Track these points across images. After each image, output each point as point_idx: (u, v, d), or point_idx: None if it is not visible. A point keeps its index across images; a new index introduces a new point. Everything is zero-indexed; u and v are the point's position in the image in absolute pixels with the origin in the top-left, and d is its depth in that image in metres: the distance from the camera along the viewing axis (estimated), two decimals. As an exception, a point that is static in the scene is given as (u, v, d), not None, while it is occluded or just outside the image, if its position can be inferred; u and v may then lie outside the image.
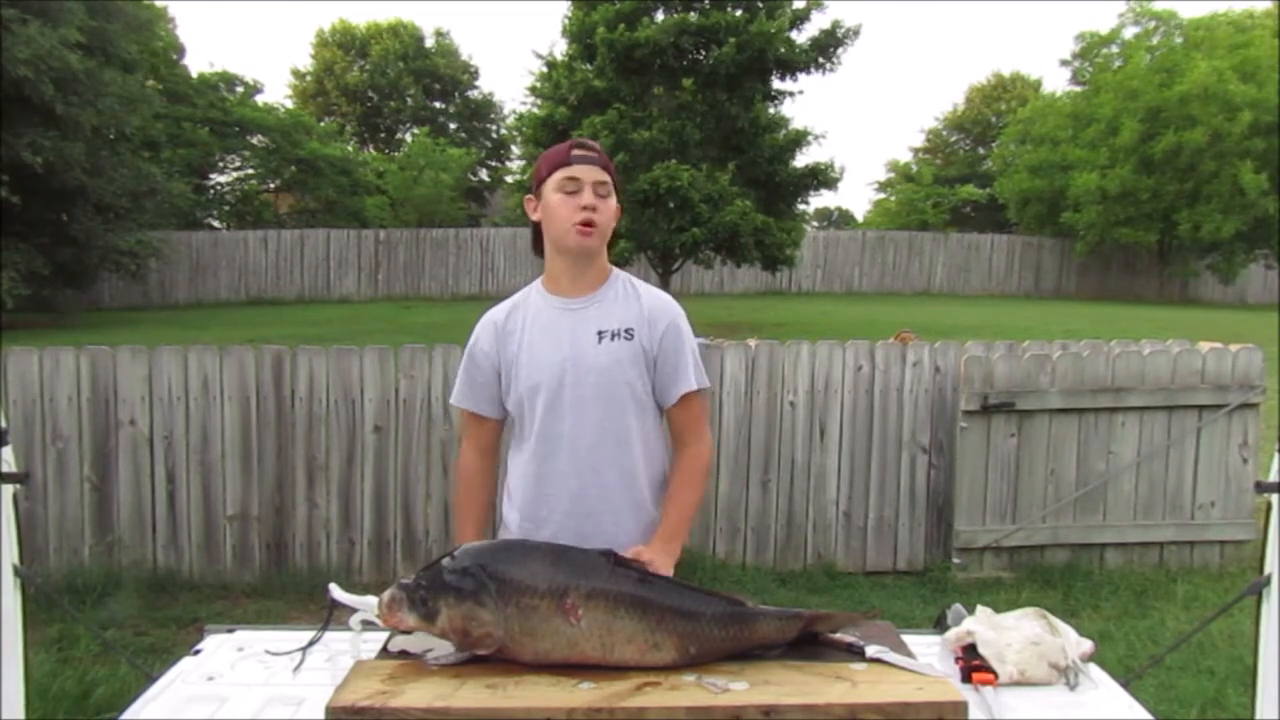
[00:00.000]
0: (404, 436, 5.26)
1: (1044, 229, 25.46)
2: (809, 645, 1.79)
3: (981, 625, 1.88)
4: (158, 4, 24.32)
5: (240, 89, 27.88)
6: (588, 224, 2.11)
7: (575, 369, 2.14)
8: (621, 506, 2.18)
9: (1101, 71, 25.64)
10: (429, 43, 35.57)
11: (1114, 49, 26.20)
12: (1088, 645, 1.89)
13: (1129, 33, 25.98)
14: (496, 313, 2.26)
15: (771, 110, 16.87)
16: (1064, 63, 29.55)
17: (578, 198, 2.11)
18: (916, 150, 38.54)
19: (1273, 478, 1.97)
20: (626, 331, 2.17)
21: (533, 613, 1.65)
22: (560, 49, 17.42)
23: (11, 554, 1.95)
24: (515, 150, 30.98)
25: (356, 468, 5.26)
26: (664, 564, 2.03)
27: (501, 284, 23.13)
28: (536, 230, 2.23)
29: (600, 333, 2.16)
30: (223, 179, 27.51)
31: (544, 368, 2.15)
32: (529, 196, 2.19)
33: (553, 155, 2.17)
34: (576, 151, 2.14)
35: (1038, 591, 5.11)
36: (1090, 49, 27.24)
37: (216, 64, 38.69)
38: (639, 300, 2.21)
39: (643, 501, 2.21)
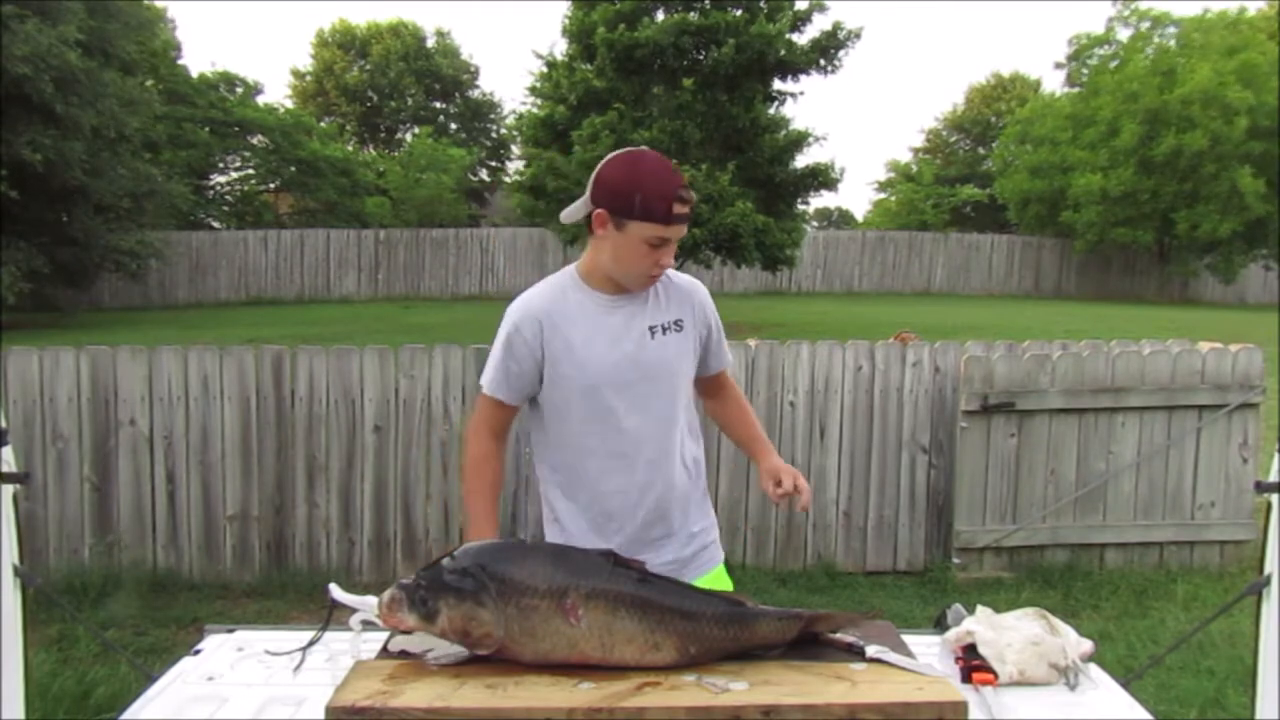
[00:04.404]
0: (404, 436, 5.26)
1: (1044, 229, 25.47)
2: (809, 645, 1.79)
3: (981, 625, 1.88)
4: (158, 4, 24.35)
5: (240, 89, 27.89)
6: (656, 277, 2.14)
7: (634, 366, 2.14)
8: (687, 497, 2.24)
9: (1099, 74, 25.65)
10: (430, 43, 35.59)
11: (1108, 49, 26.21)
12: (1088, 645, 1.89)
13: (1122, 34, 26.02)
14: (536, 303, 2.17)
15: (772, 111, 16.88)
16: (1058, 65, 29.59)
17: (659, 253, 2.07)
18: (916, 150, 38.58)
19: (1273, 478, 1.97)
20: (676, 323, 2.20)
21: (533, 613, 1.65)
22: (560, 49, 17.44)
23: (11, 554, 1.95)
24: (515, 150, 31.00)
25: (356, 468, 5.26)
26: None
27: (501, 284, 23.13)
28: (590, 219, 2.14)
29: (651, 328, 2.17)
30: (223, 179, 27.54)
31: (602, 366, 2.13)
32: (600, 211, 2.07)
33: (651, 202, 2.02)
34: (679, 210, 2.04)
35: (1038, 591, 5.11)
36: (1083, 51, 27.25)
37: (217, 64, 38.73)
38: (673, 288, 2.24)
39: (701, 489, 2.30)
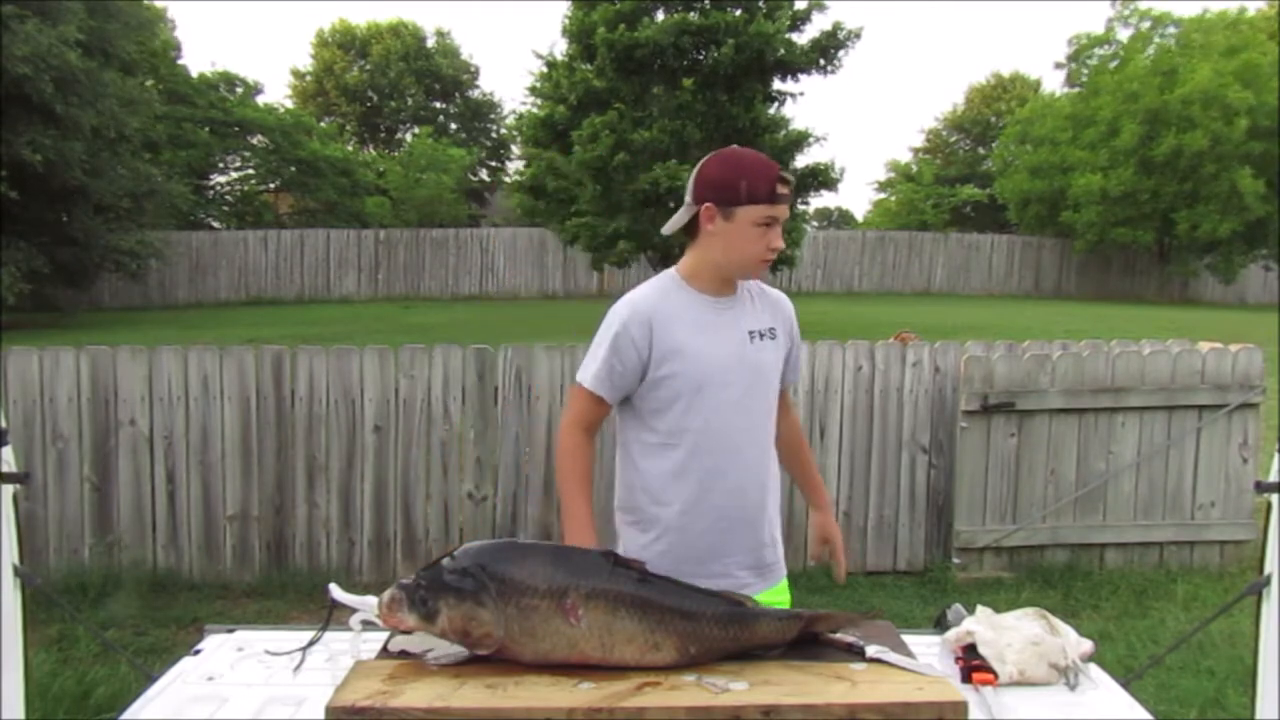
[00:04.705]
0: (404, 436, 5.26)
1: (1044, 229, 25.48)
2: (809, 645, 1.79)
3: (981, 625, 1.88)
4: (157, 4, 24.35)
5: (240, 89, 27.89)
6: (769, 261, 2.18)
7: (739, 368, 2.19)
8: (772, 501, 2.30)
9: (1099, 74, 25.65)
10: (430, 43, 35.58)
11: (1108, 49, 26.21)
12: (1088, 645, 1.89)
13: (1122, 34, 26.02)
14: (644, 303, 2.19)
15: (772, 111, 16.88)
16: (1058, 65, 29.58)
17: (770, 235, 2.13)
18: (916, 150, 38.56)
19: (1273, 478, 1.97)
20: (770, 331, 2.27)
21: (533, 613, 1.65)
22: (560, 49, 17.44)
23: (11, 554, 1.95)
24: (515, 150, 31.00)
25: (356, 468, 5.26)
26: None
27: (501, 284, 23.14)
28: (693, 222, 2.19)
29: (751, 332, 2.23)
30: (223, 179, 27.54)
31: (710, 367, 2.16)
32: (708, 205, 2.13)
33: (759, 186, 2.11)
34: (781, 190, 2.12)
35: (1038, 591, 5.11)
36: (1083, 51, 27.25)
37: (217, 64, 38.71)
38: (766, 298, 2.32)
39: (777, 498, 2.34)
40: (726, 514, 2.20)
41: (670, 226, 2.24)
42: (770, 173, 2.12)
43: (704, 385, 2.16)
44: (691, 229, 2.20)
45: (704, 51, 16.11)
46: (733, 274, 2.21)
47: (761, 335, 2.24)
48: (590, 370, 2.20)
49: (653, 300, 2.20)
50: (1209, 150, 21.99)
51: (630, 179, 15.25)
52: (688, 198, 2.18)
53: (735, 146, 2.25)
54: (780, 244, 2.15)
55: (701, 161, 2.21)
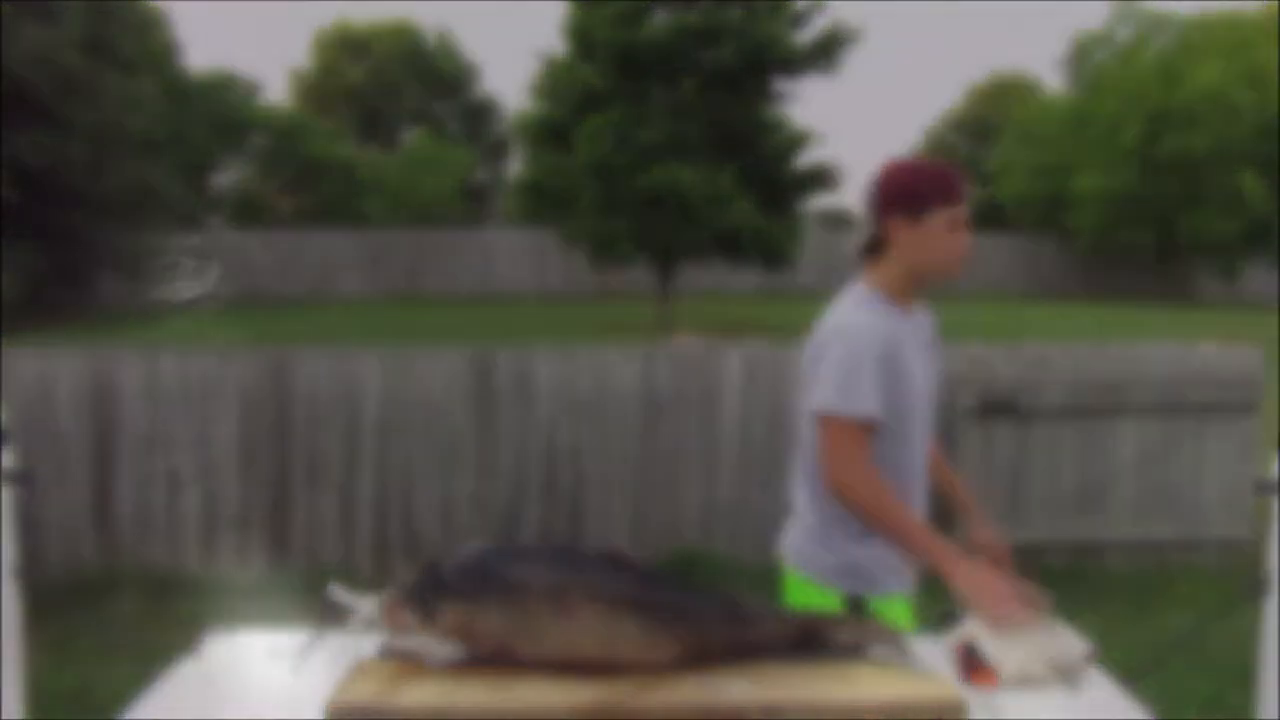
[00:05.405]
0: (404, 436, 5.26)
1: (1044, 229, 25.45)
2: (809, 645, 1.79)
3: (982, 625, 1.88)
4: (159, 4, 24.35)
5: (240, 89, 27.88)
6: (963, 260, 2.20)
7: (927, 384, 2.22)
8: None
9: (1101, 73, 25.63)
10: (430, 43, 35.57)
11: (1110, 49, 26.21)
12: (1088, 645, 1.89)
13: (1123, 34, 26.00)
14: (880, 321, 2.14)
15: (772, 111, 16.86)
16: (1060, 64, 29.59)
17: (960, 235, 2.14)
18: (917, 150, 38.51)
19: (1273, 478, 1.97)
20: (933, 342, 2.31)
21: (533, 613, 1.65)
22: (560, 49, 17.42)
23: (11, 554, 1.95)
24: (515, 150, 30.99)
25: (356, 468, 5.26)
26: None
27: (501, 284, 23.11)
28: (877, 240, 2.17)
29: (928, 346, 2.27)
30: (223, 179, 27.53)
31: (921, 385, 2.18)
32: (896, 219, 2.12)
33: (944, 187, 2.12)
34: (963, 188, 2.16)
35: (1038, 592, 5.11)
36: (1084, 50, 27.24)
37: (217, 64, 38.66)
38: (924, 310, 2.32)
39: None
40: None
41: (856, 248, 2.22)
42: (950, 173, 2.16)
43: (914, 406, 2.17)
44: (877, 246, 2.18)
45: (704, 52, 16.10)
46: (933, 279, 2.19)
47: (929, 348, 2.29)
48: (858, 399, 2.07)
49: (881, 318, 2.14)
50: (1213, 151, 21.96)
51: (632, 179, 15.24)
52: (869, 218, 2.18)
53: (903, 156, 2.25)
54: (969, 241, 2.17)
55: (878, 179, 2.18)
